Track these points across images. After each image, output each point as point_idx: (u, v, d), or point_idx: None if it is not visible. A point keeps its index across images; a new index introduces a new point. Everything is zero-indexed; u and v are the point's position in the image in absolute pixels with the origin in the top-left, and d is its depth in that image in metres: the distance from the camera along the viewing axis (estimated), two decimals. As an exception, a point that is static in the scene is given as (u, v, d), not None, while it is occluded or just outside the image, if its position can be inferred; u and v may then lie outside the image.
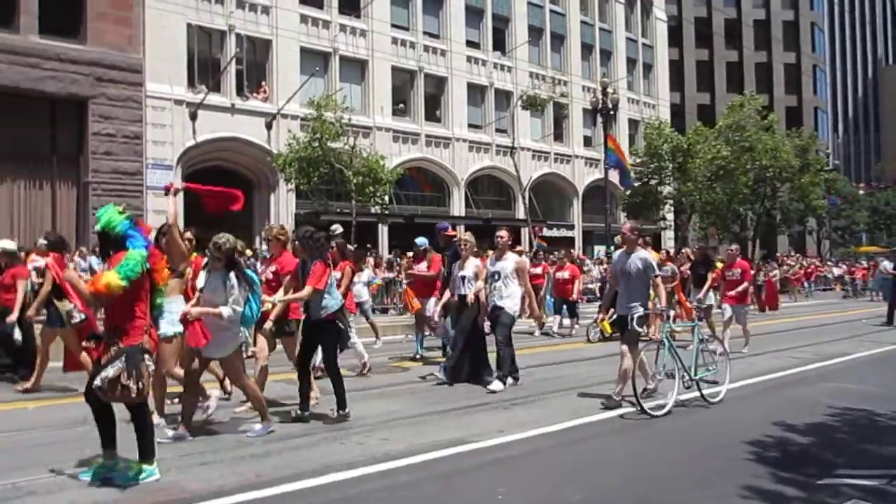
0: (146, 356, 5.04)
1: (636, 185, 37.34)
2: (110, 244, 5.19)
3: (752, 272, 21.64)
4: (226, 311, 6.07)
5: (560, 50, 39.38)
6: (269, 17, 27.43)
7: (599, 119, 29.86)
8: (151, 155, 24.01)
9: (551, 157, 38.15)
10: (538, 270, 16.33)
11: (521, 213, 34.41)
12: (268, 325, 7.30)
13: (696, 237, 42.59)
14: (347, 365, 9.01)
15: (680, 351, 7.67)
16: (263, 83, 27.47)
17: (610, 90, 28.63)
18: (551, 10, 38.70)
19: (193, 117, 25.00)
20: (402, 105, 31.86)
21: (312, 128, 23.82)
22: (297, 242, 7.32)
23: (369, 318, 13.54)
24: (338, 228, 16.15)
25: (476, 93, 34.99)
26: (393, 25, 31.46)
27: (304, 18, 28.54)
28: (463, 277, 9.26)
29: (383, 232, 29.81)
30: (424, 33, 32.72)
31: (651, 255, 8.05)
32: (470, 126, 34.44)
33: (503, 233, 9.28)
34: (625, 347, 7.59)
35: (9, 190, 21.78)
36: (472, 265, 9.25)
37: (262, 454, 5.82)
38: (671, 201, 38.47)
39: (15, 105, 21.46)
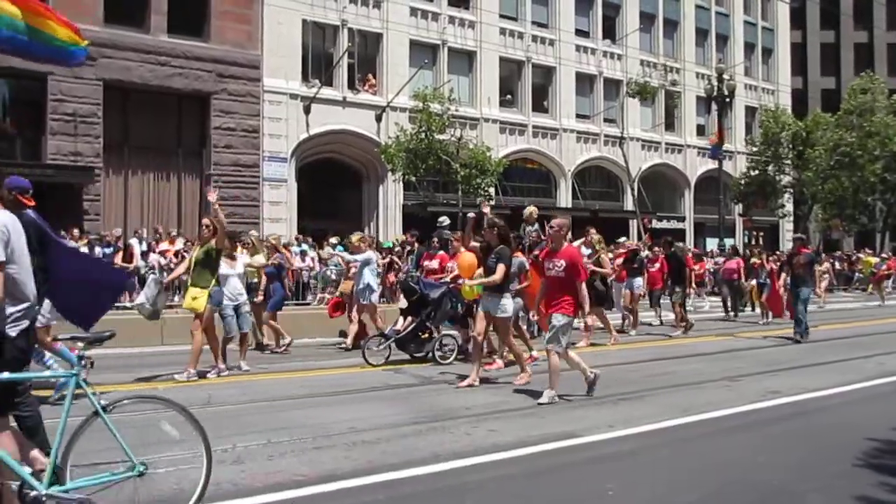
0: None
1: (753, 173, 35.94)
2: None
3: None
4: None
5: (673, 36, 38.14)
6: (380, 10, 27.95)
7: (714, 107, 28.76)
8: (268, 148, 25.02)
9: (662, 146, 37.07)
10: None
11: (629, 204, 33.70)
12: None
13: (819, 228, 40.48)
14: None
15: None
16: (369, 76, 27.98)
17: (726, 76, 27.53)
18: (664, -4, 37.56)
19: (307, 111, 25.84)
20: (509, 96, 31.76)
21: (419, 120, 24.15)
22: None
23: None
24: (445, 220, 16.25)
25: (584, 82, 34.40)
26: (501, 16, 31.39)
27: (413, 11, 28.90)
28: None
29: (489, 222, 29.81)
30: (533, 23, 32.45)
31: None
32: (578, 116, 33.93)
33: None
34: None
35: (139, 182, 23.26)
36: None
37: (372, 441, 5.98)
38: (790, 191, 36.63)
39: (145, 102, 22.93)
